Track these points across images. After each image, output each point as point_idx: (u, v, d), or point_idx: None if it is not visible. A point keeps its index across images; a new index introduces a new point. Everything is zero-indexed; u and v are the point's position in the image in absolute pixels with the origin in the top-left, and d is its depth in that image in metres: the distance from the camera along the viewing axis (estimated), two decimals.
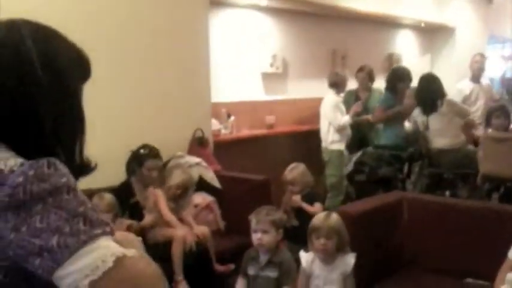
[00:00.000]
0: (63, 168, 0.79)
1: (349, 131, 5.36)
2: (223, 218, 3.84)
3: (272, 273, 2.57)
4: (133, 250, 0.80)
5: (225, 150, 4.63)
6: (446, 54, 7.91)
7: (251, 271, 2.62)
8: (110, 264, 0.75)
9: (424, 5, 7.19)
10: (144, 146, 3.39)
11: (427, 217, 3.03)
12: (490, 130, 4.23)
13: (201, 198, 3.83)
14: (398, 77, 5.24)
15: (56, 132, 0.85)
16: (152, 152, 3.37)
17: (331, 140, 5.29)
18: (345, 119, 5.26)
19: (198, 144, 4.15)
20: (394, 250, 3.00)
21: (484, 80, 6.20)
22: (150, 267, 0.81)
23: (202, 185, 3.88)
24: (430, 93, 4.71)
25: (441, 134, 4.59)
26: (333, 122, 5.23)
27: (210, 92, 4.36)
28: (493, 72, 8.16)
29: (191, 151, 4.10)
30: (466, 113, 4.89)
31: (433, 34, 8.03)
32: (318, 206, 3.45)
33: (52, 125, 0.85)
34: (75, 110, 0.91)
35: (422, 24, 7.57)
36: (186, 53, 4.12)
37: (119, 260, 0.75)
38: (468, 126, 4.95)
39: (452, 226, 2.93)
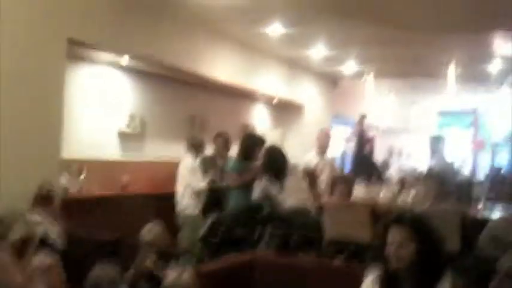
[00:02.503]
0: None
1: (204, 196, 5.41)
2: (67, 280, 3.53)
3: None
4: None
5: (74, 209, 4.36)
6: (296, 128, 8.52)
7: None
8: None
9: (277, 82, 7.76)
10: None
11: (277, 276, 3.11)
12: (333, 197, 4.55)
13: (42, 259, 3.50)
14: (255, 142, 5.42)
15: None
16: None
17: (186, 203, 5.28)
18: (202, 184, 5.32)
19: (42, 201, 3.85)
20: None
21: (328, 155, 6.71)
22: None
23: (44, 245, 3.56)
24: (279, 163, 4.96)
25: (294, 194, 4.80)
26: (189, 186, 5.25)
27: (60, 147, 4.14)
28: (336, 149, 8.89)
29: (35, 207, 3.78)
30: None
31: (285, 109, 8.63)
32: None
33: None
34: None
35: (275, 100, 8.12)
36: (37, 105, 3.93)
37: None
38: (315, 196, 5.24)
39: (301, 284, 3.03)
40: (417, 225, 2.19)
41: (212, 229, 4.71)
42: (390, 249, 2.19)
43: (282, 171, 4.89)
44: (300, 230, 4.65)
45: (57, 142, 4.11)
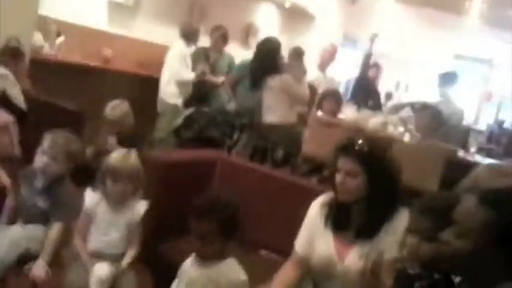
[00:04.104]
0: None
1: (189, 88, 5.13)
2: (21, 144, 3.33)
3: (43, 204, 2.25)
4: None
5: (46, 72, 4.08)
6: (303, 39, 8.02)
7: (25, 194, 2.28)
8: None
9: None
10: None
11: (236, 182, 2.90)
12: (320, 113, 4.29)
13: None
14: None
15: None
16: None
17: (170, 92, 5.02)
18: (189, 75, 5.02)
19: (10, 55, 3.57)
20: None
21: (329, 72, 6.35)
22: None
23: (3, 101, 3.33)
24: (262, 68, 4.59)
25: (270, 110, 4.51)
26: (176, 74, 4.95)
27: (38, 1, 3.77)
28: (343, 73, 8.30)
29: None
30: (302, 98, 4.73)
31: (293, 17, 8.08)
32: None
33: None
34: None
35: (287, 4, 7.57)
36: None
37: None
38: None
39: (260, 195, 2.82)
40: (365, 157, 1.90)
41: (187, 123, 4.49)
42: (337, 178, 1.94)
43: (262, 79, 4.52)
44: (278, 145, 4.43)
45: None
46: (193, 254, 1.92)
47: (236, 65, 5.35)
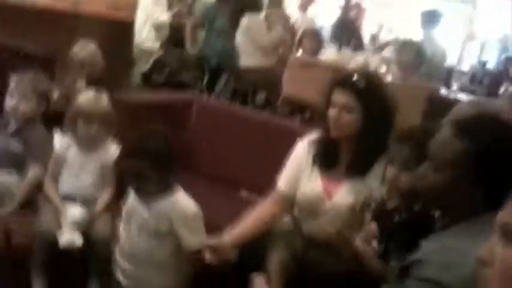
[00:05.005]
0: None
1: (166, 31, 4.95)
2: None
3: (15, 147, 2.19)
4: None
5: (12, 18, 3.87)
6: None
7: None
8: None
9: None
10: None
11: (214, 123, 2.84)
12: (299, 53, 4.17)
13: None
14: None
15: None
16: None
17: (145, 36, 4.84)
18: (165, 16, 4.84)
19: None
20: None
21: (310, 13, 6.19)
22: None
23: None
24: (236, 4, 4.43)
25: (245, 53, 4.37)
26: (150, 16, 4.77)
27: None
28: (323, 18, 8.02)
29: None
30: (268, 47, 4.55)
31: None
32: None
33: None
34: None
35: None
36: None
37: None
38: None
39: (241, 137, 2.76)
40: (362, 91, 1.84)
41: (157, 66, 4.33)
42: (331, 113, 1.88)
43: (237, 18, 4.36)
44: (256, 88, 4.32)
45: None
46: (134, 193, 1.86)
47: (203, 5, 5.15)
